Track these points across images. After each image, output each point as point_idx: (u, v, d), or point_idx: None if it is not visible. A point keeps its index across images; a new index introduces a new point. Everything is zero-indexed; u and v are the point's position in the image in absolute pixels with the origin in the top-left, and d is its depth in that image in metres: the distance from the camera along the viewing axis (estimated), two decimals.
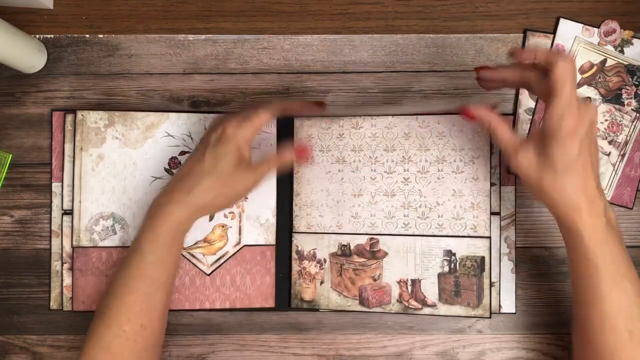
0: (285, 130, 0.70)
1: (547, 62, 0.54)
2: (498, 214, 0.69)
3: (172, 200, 0.60)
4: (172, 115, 0.69)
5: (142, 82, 0.72)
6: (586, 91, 0.70)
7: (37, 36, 0.72)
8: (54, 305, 0.70)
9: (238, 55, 0.72)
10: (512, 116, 0.70)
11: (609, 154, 0.70)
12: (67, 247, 0.69)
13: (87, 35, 0.72)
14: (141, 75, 0.72)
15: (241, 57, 0.72)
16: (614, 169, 0.70)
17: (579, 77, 0.70)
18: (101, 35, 0.72)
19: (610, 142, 0.70)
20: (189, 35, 0.72)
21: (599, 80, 0.70)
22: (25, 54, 0.68)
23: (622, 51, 0.70)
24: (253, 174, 0.62)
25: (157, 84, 0.72)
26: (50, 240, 0.71)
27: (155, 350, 0.62)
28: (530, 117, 0.70)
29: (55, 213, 0.70)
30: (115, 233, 0.69)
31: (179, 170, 0.63)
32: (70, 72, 0.72)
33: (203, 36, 0.72)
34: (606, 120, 0.70)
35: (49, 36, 0.72)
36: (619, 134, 0.70)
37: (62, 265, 0.69)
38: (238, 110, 0.71)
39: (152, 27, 0.72)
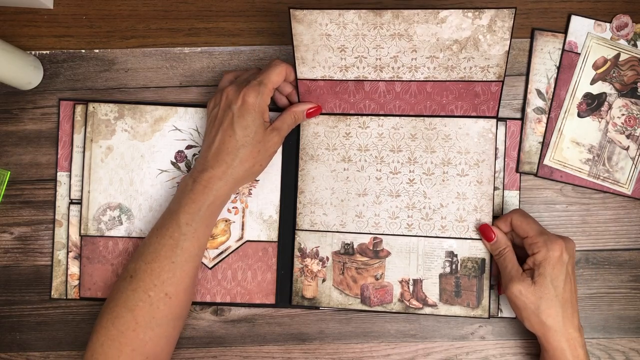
0: None
1: (507, 219, 0.65)
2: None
3: (215, 176, 0.62)
4: (180, 109, 0.71)
5: (139, 96, 0.72)
6: (601, 87, 0.69)
7: (33, 52, 0.72)
8: (55, 294, 0.71)
9: (234, 67, 0.72)
10: (522, 116, 0.70)
11: (627, 148, 0.69)
12: (74, 236, 0.70)
13: (84, 51, 0.72)
14: (138, 89, 0.72)
15: (238, 68, 0.72)
16: (633, 163, 0.69)
17: (593, 73, 0.69)
18: (97, 50, 0.72)
19: (628, 137, 0.69)
20: (185, 48, 0.72)
21: (614, 75, 0.69)
22: (21, 70, 0.69)
23: (635, 45, 0.69)
24: (278, 134, 0.65)
25: (154, 97, 0.72)
26: (53, 237, 0.71)
27: (178, 323, 0.63)
28: (539, 115, 0.70)
29: (60, 202, 0.71)
30: (121, 224, 0.70)
31: (207, 147, 0.63)
32: (66, 88, 0.72)
33: (199, 48, 0.72)
34: (623, 114, 0.69)
35: (44, 52, 0.72)
36: (636, 127, 0.69)
37: (67, 254, 0.70)
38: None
39: (152, 27, 0.73)
